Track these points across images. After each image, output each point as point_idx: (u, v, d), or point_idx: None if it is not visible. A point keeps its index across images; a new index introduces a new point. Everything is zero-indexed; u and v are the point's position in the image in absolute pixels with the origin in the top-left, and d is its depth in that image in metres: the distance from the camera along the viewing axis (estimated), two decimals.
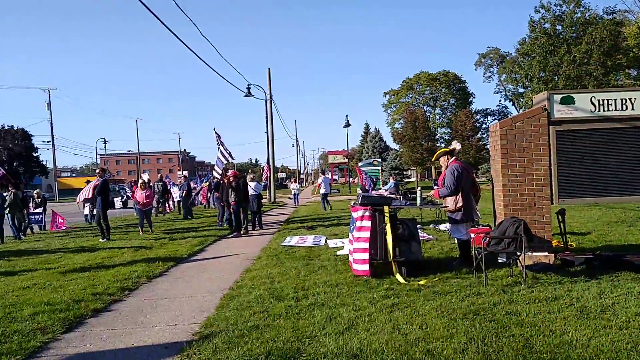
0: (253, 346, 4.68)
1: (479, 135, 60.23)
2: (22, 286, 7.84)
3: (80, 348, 5.04)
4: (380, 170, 51.17)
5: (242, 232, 14.38)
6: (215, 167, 17.19)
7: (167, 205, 25.45)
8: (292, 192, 30.91)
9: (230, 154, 17.14)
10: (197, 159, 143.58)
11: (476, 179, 8.63)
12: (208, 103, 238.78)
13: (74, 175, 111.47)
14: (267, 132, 34.62)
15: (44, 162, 78.01)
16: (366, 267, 7.33)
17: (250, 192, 15.57)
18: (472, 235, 6.99)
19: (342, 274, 7.77)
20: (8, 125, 70.13)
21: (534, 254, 7.51)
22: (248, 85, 32.24)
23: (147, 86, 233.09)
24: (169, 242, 12.94)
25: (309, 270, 8.28)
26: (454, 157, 8.13)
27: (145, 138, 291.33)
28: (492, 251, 6.86)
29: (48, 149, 67.57)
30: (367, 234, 7.38)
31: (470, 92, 75.33)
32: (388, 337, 4.73)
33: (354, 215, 7.69)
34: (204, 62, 20.19)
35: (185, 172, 52.43)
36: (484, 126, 66.44)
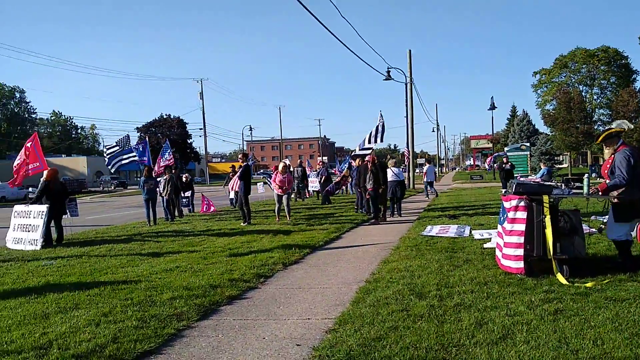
0: (392, 352, 4.12)
1: None
2: (166, 268, 8.04)
3: (212, 338, 4.84)
4: (529, 156, 47.95)
5: (379, 220, 13.87)
6: (357, 148, 17.19)
7: (306, 190, 25.75)
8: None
9: (375, 138, 16.59)
10: (336, 145, 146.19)
11: None
12: (348, 88, 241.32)
13: (222, 160, 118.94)
14: (407, 117, 33.64)
15: (197, 149, 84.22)
16: (521, 264, 6.42)
17: (393, 177, 15.00)
18: None
19: (491, 270, 6.93)
20: (166, 114, 76.79)
21: None
22: (388, 68, 31.21)
23: (290, 75, 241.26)
24: (307, 228, 12.83)
25: (452, 264, 7.54)
26: (622, 141, 6.81)
27: (288, 125, 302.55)
28: None
29: (200, 136, 72.55)
30: (522, 227, 6.45)
31: (634, 69, 67.68)
32: (555, 354, 3.90)
33: (506, 205, 6.77)
34: (342, 43, 19.94)
35: (325, 158, 53.20)
36: None
